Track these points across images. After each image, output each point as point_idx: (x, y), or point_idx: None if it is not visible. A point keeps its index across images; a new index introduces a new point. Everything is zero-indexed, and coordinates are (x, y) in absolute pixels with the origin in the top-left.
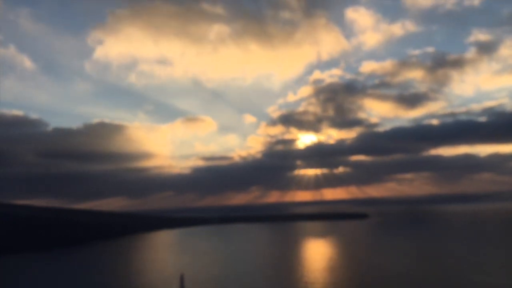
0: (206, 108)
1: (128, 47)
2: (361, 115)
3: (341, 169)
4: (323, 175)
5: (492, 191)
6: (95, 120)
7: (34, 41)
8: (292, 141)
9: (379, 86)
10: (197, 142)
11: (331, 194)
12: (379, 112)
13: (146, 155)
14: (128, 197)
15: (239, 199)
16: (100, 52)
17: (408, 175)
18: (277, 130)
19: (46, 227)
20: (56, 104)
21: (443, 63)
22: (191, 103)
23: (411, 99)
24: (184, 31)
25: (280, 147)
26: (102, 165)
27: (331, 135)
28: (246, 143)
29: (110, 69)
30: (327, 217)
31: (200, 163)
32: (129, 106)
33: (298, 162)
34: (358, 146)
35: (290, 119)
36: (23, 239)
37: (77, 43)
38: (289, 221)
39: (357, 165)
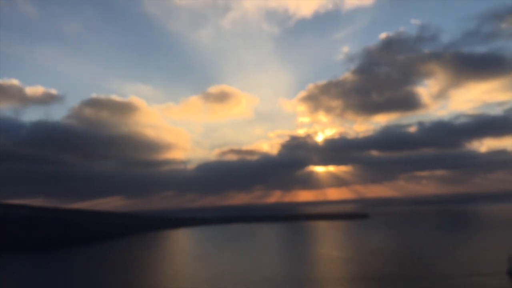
0: (246, 81)
1: None
2: (416, 89)
3: (356, 166)
4: (337, 172)
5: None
6: (93, 95)
7: None
8: (314, 135)
9: (461, 43)
10: (225, 128)
11: (338, 193)
12: (440, 82)
13: (161, 147)
14: (128, 196)
15: (245, 198)
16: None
17: (426, 173)
18: (307, 115)
19: (46, 227)
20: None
21: None
22: (227, 74)
23: (491, 63)
24: None
25: (300, 142)
26: (100, 160)
27: (361, 124)
28: (272, 133)
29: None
30: (328, 217)
31: (215, 158)
32: (142, 74)
33: (315, 158)
34: (383, 139)
35: (322, 99)
36: (23, 239)
37: None
38: (290, 221)
39: (376, 161)
